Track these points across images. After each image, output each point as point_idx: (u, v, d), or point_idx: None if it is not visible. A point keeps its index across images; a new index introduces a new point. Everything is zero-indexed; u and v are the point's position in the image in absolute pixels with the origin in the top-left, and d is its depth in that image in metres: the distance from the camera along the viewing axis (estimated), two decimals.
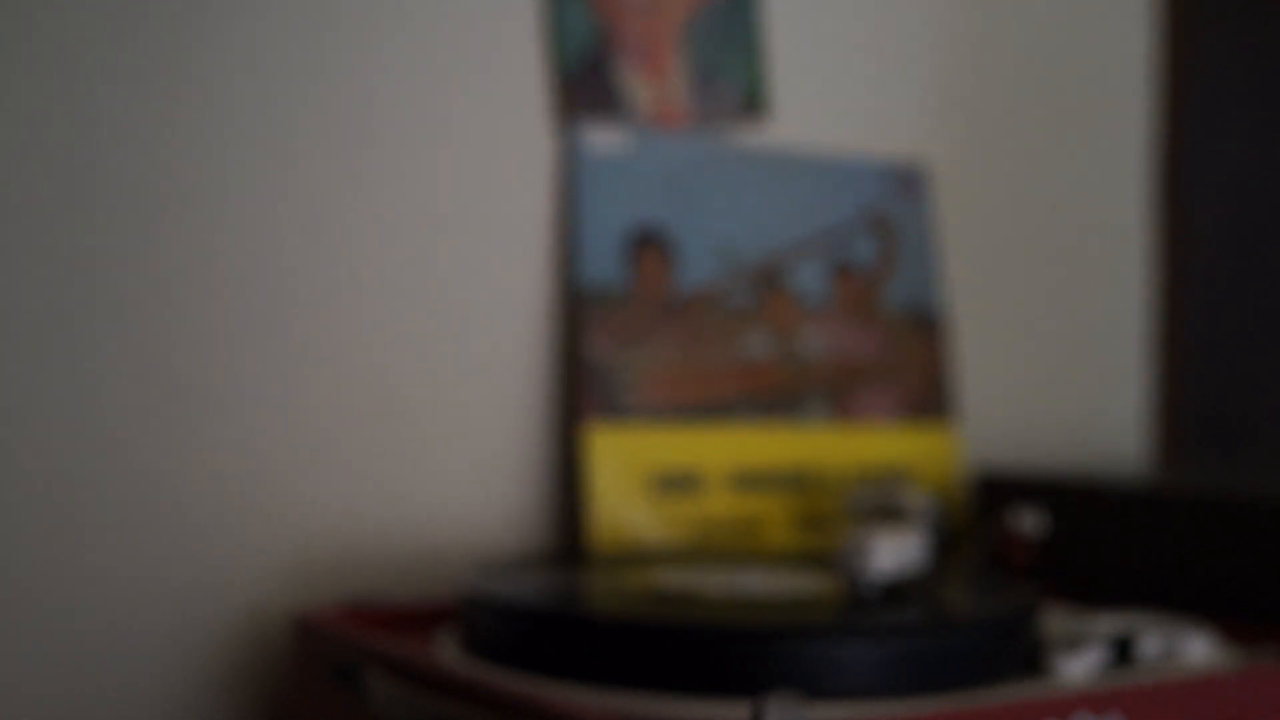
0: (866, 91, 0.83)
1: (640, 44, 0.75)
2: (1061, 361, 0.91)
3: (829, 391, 0.77)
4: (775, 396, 0.76)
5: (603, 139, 0.73)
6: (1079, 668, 0.54)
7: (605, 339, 0.71)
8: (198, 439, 0.64)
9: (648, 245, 0.73)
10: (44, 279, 0.62)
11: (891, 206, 0.81)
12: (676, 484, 0.72)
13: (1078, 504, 0.72)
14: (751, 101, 0.78)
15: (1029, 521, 0.72)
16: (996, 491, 0.76)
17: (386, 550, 0.68)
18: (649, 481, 0.71)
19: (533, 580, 0.59)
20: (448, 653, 0.56)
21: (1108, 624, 0.57)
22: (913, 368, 0.80)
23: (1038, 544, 0.72)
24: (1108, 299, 0.93)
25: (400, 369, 0.69)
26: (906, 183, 0.82)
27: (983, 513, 0.77)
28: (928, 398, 0.80)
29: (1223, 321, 0.97)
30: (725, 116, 0.77)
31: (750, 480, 0.74)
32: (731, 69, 0.77)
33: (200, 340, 0.65)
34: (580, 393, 0.71)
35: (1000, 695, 0.49)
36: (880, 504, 0.72)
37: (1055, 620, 0.59)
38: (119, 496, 0.63)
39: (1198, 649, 0.56)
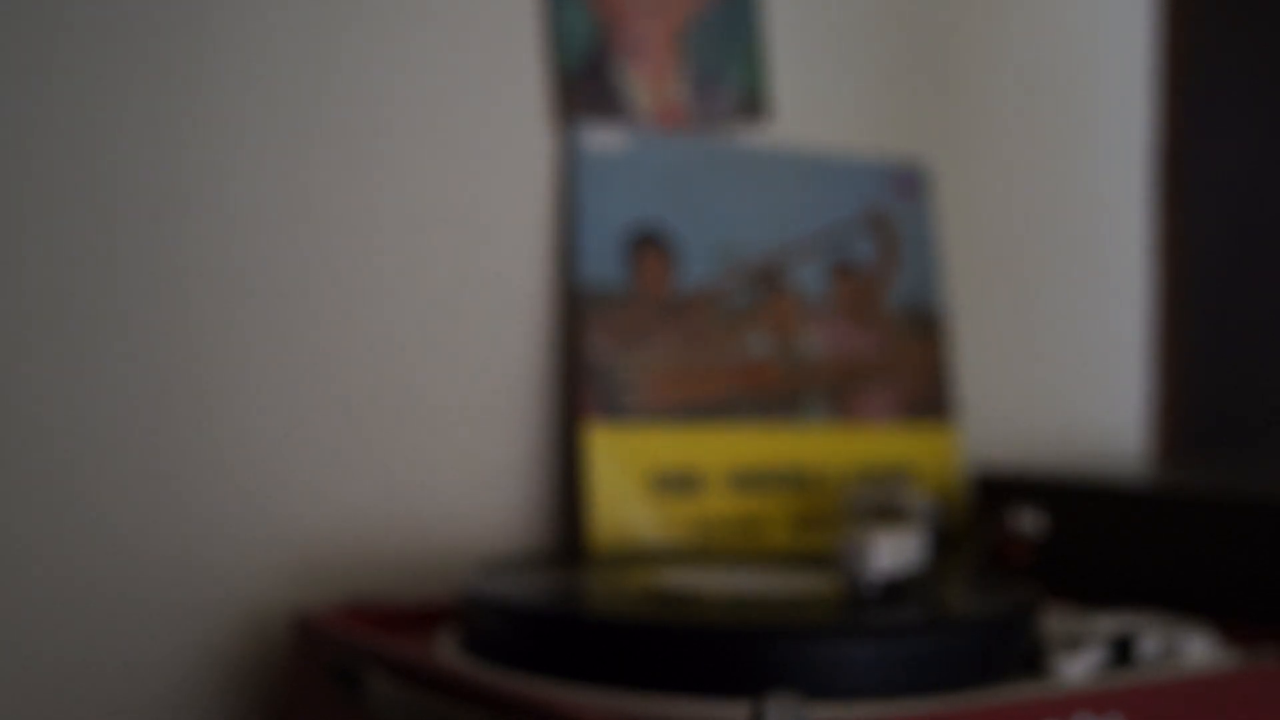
0: (866, 91, 0.83)
1: (640, 44, 0.75)
2: (1061, 361, 0.91)
3: (829, 391, 0.77)
4: (775, 396, 0.76)
5: (603, 139, 0.73)
6: (1079, 668, 0.54)
7: (605, 339, 0.71)
8: (197, 439, 0.64)
9: (648, 245, 0.73)
10: (46, 276, 0.62)
11: (891, 206, 0.81)
12: (676, 484, 0.72)
13: (1077, 504, 0.72)
14: (751, 101, 0.78)
15: (1028, 521, 0.72)
16: (996, 491, 0.76)
17: (387, 550, 0.68)
18: (649, 481, 0.71)
19: (533, 580, 0.59)
20: (448, 653, 0.56)
21: (1108, 624, 0.57)
22: (913, 368, 0.80)
23: (1037, 544, 0.72)
24: (1108, 299, 0.93)
25: (400, 369, 0.69)
26: (906, 183, 0.82)
27: (982, 513, 0.77)
28: (928, 398, 0.80)
29: (1223, 321, 0.97)
30: (725, 116, 0.77)
31: (750, 480, 0.74)
32: (731, 69, 0.77)
33: (200, 340, 0.65)
34: (580, 393, 0.71)
35: (1000, 695, 0.49)
36: (880, 504, 0.72)
37: (1055, 620, 0.59)
38: (119, 496, 0.63)
39: (1198, 649, 0.56)
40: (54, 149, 0.62)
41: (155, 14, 0.63)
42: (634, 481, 0.71)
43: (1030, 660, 0.54)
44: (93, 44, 0.62)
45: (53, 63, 0.62)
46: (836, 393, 0.77)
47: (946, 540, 0.76)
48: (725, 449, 0.74)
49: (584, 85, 0.73)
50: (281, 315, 0.66)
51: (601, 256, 0.72)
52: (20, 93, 0.61)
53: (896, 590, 0.57)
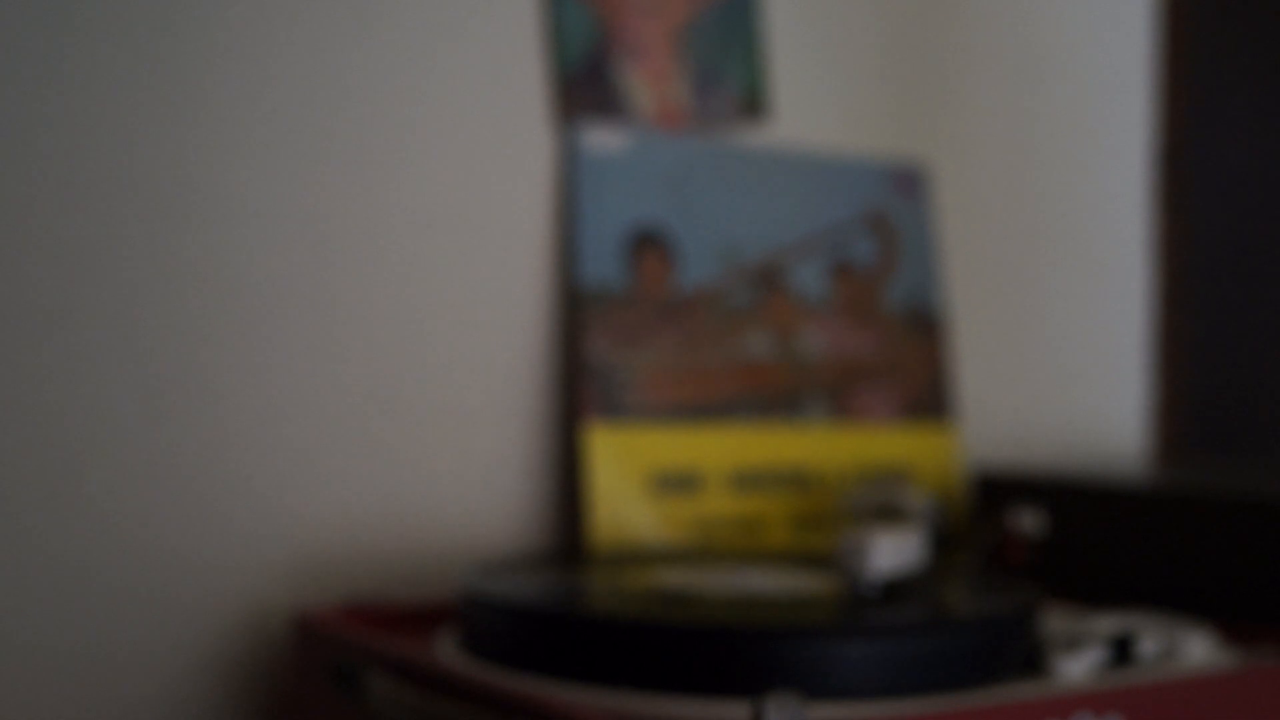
0: (866, 92, 0.83)
1: (640, 44, 0.75)
2: (1061, 361, 0.91)
3: (829, 391, 0.77)
4: (775, 396, 0.76)
5: (603, 139, 0.73)
6: (1079, 668, 0.54)
7: (605, 339, 0.71)
8: (199, 438, 0.64)
9: (648, 245, 0.73)
10: (54, 274, 0.62)
11: (891, 206, 0.81)
12: (676, 484, 0.72)
13: (1077, 504, 0.72)
14: (751, 101, 0.78)
15: (1028, 521, 0.72)
16: (996, 491, 0.76)
17: (386, 550, 0.68)
18: (649, 481, 0.71)
19: (533, 580, 0.59)
20: (447, 653, 0.56)
21: (1108, 624, 0.57)
22: (912, 368, 0.80)
23: (1037, 544, 0.72)
24: (1108, 299, 0.93)
25: (400, 369, 0.69)
26: (906, 183, 0.82)
27: (982, 512, 0.77)
28: (927, 398, 0.80)
29: (1223, 321, 0.97)
30: (725, 117, 0.77)
31: (750, 480, 0.74)
32: (731, 69, 0.77)
33: (202, 340, 0.65)
34: (580, 393, 0.71)
35: (1000, 695, 0.49)
36: (880, 503, 0.72)
37: (1055, 620, 0.59)
38: (121, 494, 0.63)
39: (1197, 649, 0.56)
40: (63, 150, 0.62)
41: (162, 18, 0.64)
42: (634, 481, 0.71)
43: (1030, 660, 0.54)
44: (101, 49, 0.62)
45: (62, 65, 0.62)
46: (836, 393, 0.77)
47: (946, 540, 0.76)
48: (725, 449, 0.74)
49: (584, 85, 0.73)
50: (283, 315, 0.66)
51: (601, 256, 0.72)
52: (28, 95, 0.61)
53: (896, 590, 0.57)
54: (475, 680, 0.49)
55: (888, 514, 0.71)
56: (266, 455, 0.66)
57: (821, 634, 0.49)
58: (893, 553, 0.57)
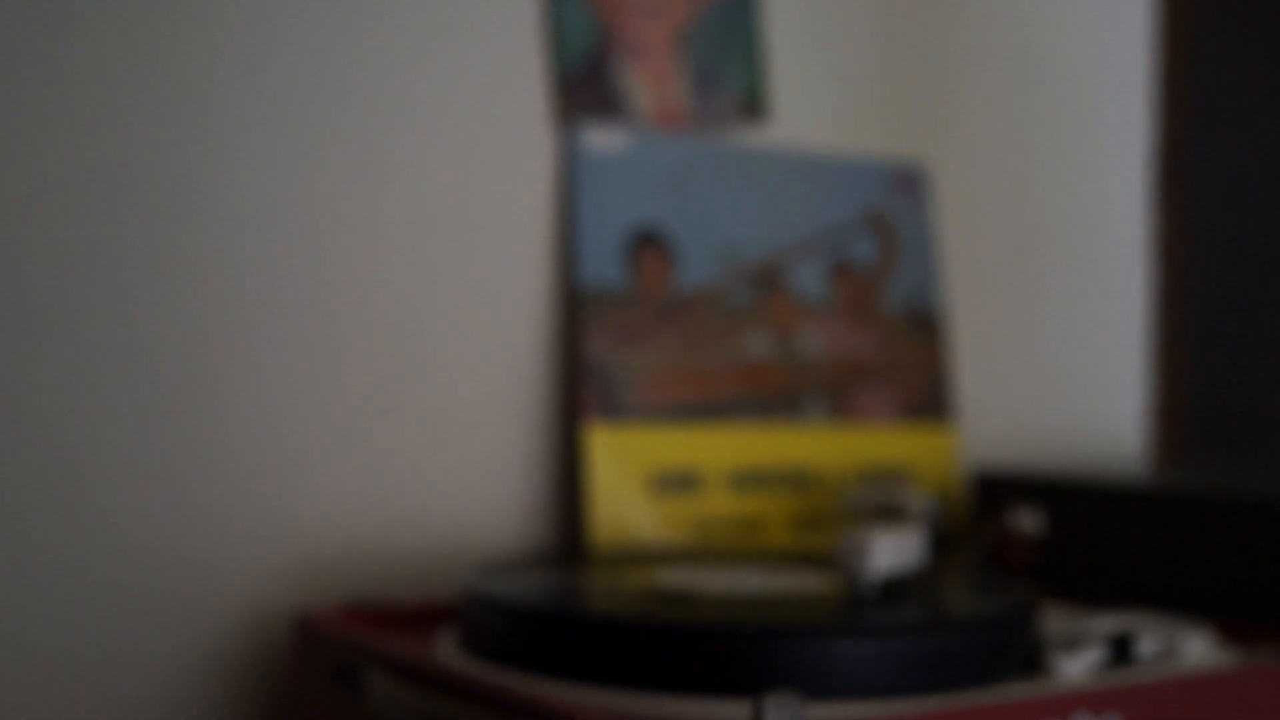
0: (866, 92, 0.83)
1: (640, 44, 0.75)
2: (1061, 361, 0.91)
3: (828, 391, 0.77)
4: (775, 396, 0.76)
5: (603, 139, 0.73)
6: (1078, 667, 0.54)
7: (605, 339, 0.71)
8: (200, 437, 0.64)
9: (648, 245, 0.73)
10: (53, 273, 0.62)
11: (891, 206, 0.81)
12: (676, 484, 0.72)
13: (1077, 504, 0.72)
14: (751, 102, 0.78)
15: (1028, 521, 0.72)
16: (995, 491, 0.76)
17: (386, 550, 0.68)
18: (649, 481, 0.71)
19: (533, 580, 0.59)
20: (447, 653, 0.56)
21: (1107, 624, 0.57)
22: (912, 368, 0.80)
23: (1037, 544, 0.72)
24: (1108, 299, 0.93)
25: (400, 369, 0.69)
26: (906, 183, 0.82)
27: (982, 512, 0.77)
28: (927, 398, 0.80)
29: (1222, 321, 0.97)
30: (725, 117, 0.77)
31: (750, 480, 0.74)
32: (731, 69, 0.77)
33: (204, 339, 0.65)
34: (580, 393, 0.71)
35: (1000, 695, 0.50)
36: (879, 503, 0.72)
37: (1055, 620, 0.59)
38: (121, 494, 0.63)
39: (1196, 649, 0.56)
40: (63, 150, 0.62)
41: (162, 18, 0.64)
42: (634, 481, 0.71)
43: (1029, 660, 0.54)
44: (101, 49, 0.62)
45: (62, 65, 0.62)
46: (836, 393, 0.77)
47: (946, 540, 0.76)
48: (725, 449, 0.74)
49: (584, 85, 0.73)
50: (283, 315, 0.66)
51: (601, 256, 0.72)
52: (28, 95, 0.61)
53: (896, 590, 0.57)
54: (475, 680, 0.49)
55: (888, 514, 0.72)
56: (266, 455, 0.66)
57: (821, 634, 0.49)
58: (892, 552, 0.57)
